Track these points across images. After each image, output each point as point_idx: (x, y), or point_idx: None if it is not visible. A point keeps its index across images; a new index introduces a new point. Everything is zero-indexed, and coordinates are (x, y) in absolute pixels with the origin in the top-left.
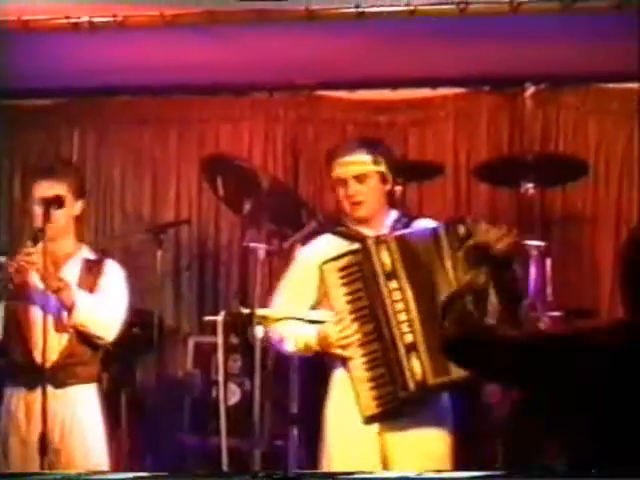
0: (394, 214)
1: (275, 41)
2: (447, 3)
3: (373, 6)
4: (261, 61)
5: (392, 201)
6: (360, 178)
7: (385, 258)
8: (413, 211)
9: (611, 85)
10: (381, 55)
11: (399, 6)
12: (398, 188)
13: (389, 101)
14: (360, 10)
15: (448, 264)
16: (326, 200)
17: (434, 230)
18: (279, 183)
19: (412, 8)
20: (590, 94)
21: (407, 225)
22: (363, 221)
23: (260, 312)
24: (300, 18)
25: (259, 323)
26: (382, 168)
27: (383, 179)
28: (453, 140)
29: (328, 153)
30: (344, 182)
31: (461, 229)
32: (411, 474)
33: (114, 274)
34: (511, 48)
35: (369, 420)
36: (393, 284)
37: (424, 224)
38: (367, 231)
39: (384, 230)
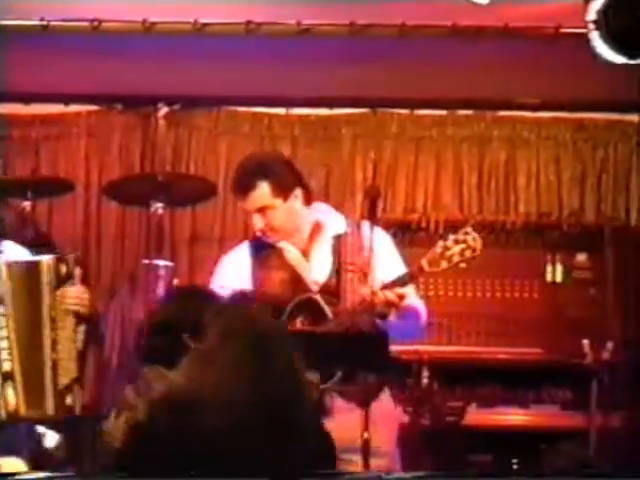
0: None
1: None
2: (80, 20)
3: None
4: None
5: None
6: None
7: None
8: (43, 228)
9: (242, 108)
10: (16, 68)
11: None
12: (27, 203)
13: (22, 115)
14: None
15: (46, 300)
16: None
17: (40, 262)
18: None
19: (45, 23)
20: (222, 116)
21: None
22: None
23: None
24: None
25: None
26: None
27: None
28: (85, 157)
29: None
30: None
31: (63, 269)
32: None
33: None
34: (146, 67)
35: None
36: None
37: (8, 246)
38: None
39: None
